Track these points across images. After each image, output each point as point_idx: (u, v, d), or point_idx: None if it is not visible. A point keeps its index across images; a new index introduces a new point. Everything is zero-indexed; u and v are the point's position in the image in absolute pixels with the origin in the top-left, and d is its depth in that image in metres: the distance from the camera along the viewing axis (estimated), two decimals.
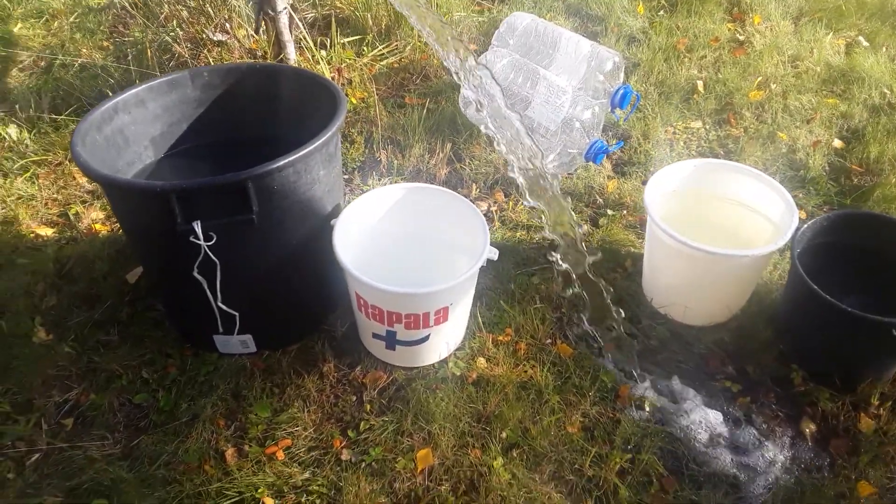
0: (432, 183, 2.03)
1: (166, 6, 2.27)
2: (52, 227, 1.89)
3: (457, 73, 1.62)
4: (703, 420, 1.41)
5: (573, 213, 1.54)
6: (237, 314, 1.37)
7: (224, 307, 1.34)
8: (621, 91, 2.07)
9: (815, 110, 2.15)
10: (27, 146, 2.12)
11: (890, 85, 2.21)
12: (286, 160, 1.25)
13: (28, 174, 2.03)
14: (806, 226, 1.47)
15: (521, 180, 1.56)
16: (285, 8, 2.07)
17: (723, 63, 2.37)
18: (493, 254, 1.38)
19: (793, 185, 1.95)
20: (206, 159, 1.64)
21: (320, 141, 1.31)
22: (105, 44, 2.57)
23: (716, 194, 1.65)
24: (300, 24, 2.17)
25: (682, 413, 1.42)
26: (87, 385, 1.48)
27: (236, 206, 1.26)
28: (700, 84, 2.28)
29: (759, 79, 2.26)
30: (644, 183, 1.87)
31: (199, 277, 1.30)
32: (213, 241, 1.24)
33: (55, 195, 2.00)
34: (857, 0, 2.63)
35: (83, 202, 1.97)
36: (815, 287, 1.36)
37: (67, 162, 2.08)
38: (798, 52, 2.39)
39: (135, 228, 1.40)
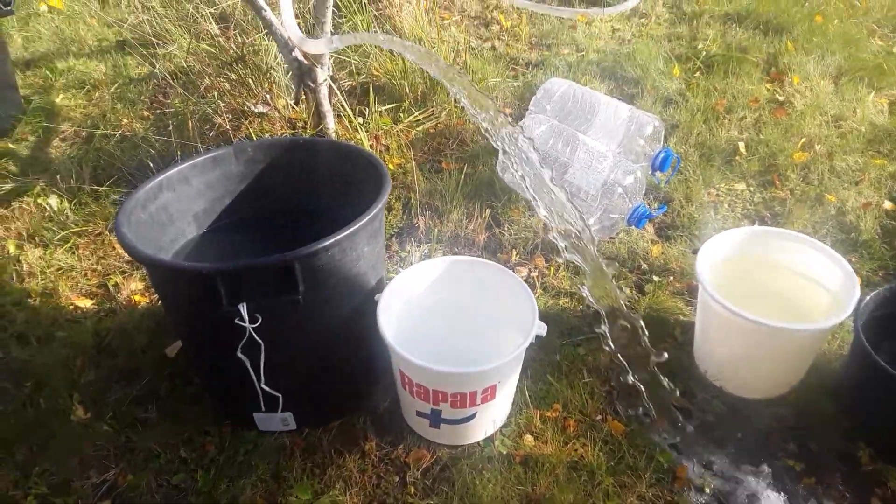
0: (471, 248, 2.01)
1: (207, 78, 2.31)
2: (92, 299, 1.89)
3: (496, 141, 1.61)
4: None
5: (614, 281, 1.49)
6: (280, 396, 1.33)
7: (267, 389, 1.30)
8: (662, 154, 2.04)
9: (862, 171, 2.10)
10: (67, 216, 2.15)
11: None
12: (333, 239, 1.23)
13: (68, 245, 2.05)
14: (869, 297, 1.41)
15: (561, 244, 1.53)
16: (325, 80, 2.10)
17: (763, 124, 2.34)
18: (542, 329, 1.33)
19: (845, 248, 1.89)
20: (248, 233, 1.63)
21: (366, 218, 1.29)
22: (146, 114, 2.62)
23: (769, 262, 1.60)
24: (338, 93, 2.19)
25: (745, 496, 1.34)
26: (124, 465, 1.45)
27: (282, 286, 1.23)
28: (742, 145, 2.25)
29: (803, 140, 2.22)
30: (694, 251, 1.82)
31: (242, 357, 1.28)
32: (258, 323, 1.21)
33: (95, 266, 2.00)
34: None
35: (122, 273, 1.97)
36: (882, 362, 1.30)
37: (107, 232, 2.09)
38: (840, 112, 2.35)
39: (178, 308, 1.38)
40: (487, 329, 1.50)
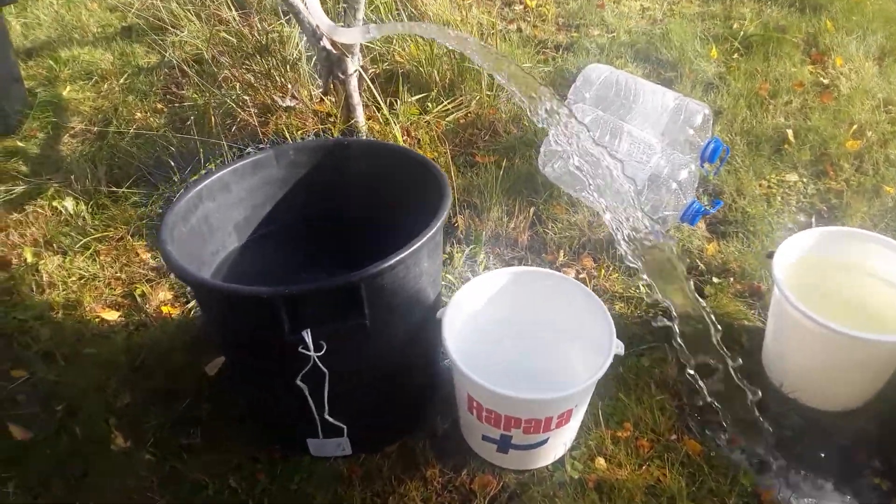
0: (513, 248, 1.92)
1: (226, 69, 2.19)
2: (118, 311, 1.79)
3: (545, 125, 1.51)
4: None
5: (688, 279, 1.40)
6: (345, 427, 1.25)
7: (332, 420, 1.22)
8: (712, 145, 1.94)
9: None
10: (85, 220, 2.04)
11: None
12: (398, 257, 1.13)
13: (89, 252, 1.94)
14: None
15: (624, 247, 1.44)
16: (356, 70, 1.98)
17: (810, 109, 2.24)
18: (620, 348, 1.24)
19: None
20: (291, 243, 1.53)
21: (431, 232, 1.19)
22: (159, 106, 2.50)
23: (845, 264, 1.51)
24: (370, 86, 2.08)
25: None
26: (170, 497, 1.36)
27: (345, 309, 1.14)
28: (790, 133, 2.15)
29: (854, 127, 2.13)
30: (768, 255, 1.72)
31: (301, 385, 1.19)
32: (322, 351, 1.12)
33: (118, 274, 1.90)
34: None
35: (148, 281, 1.87)
36: None
37: (129, 237, 1.98)
38: (888, 96, 2.26)
39: (230, 333, 1.29)
40: (557, 345, 1.41)
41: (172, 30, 2.64)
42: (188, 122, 2.28)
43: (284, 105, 2.01)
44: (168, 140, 2.23)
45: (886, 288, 1.47)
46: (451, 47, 1.63)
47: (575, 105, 2.13)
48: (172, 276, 1.87)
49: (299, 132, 2.02)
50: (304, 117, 2.04)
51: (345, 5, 1.88)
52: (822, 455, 1.37)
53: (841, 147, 2.07)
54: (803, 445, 1.39)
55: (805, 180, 2.02)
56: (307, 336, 1.10)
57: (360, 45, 2.43)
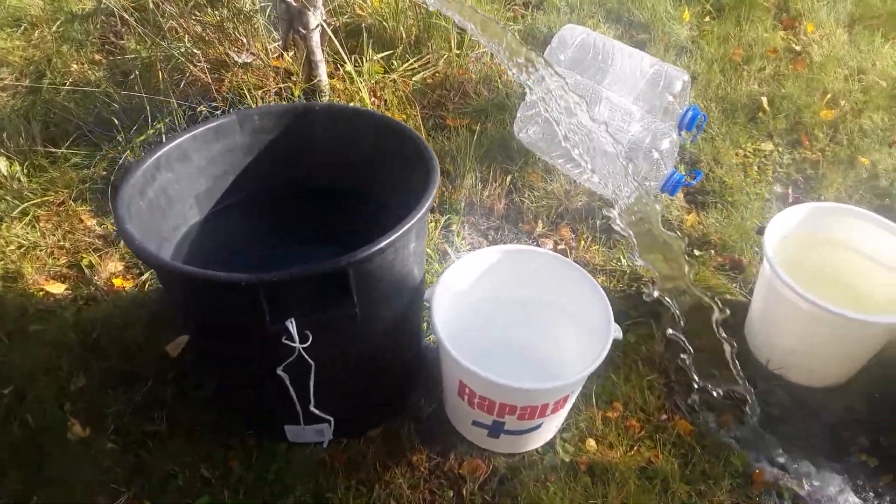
0: (489, 217, 1.84)
1: (172, 20, 2.00)
2: (64, 283, 1.65)
3: (527, 84, 1.43)
4: None
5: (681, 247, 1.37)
6: (331, 419, 1.16)
7: (318, 412, 1.13)
8: (690, 112, 1.90)
9: (891, 130, 2.01)
10: (21, 183, 1.86)
11: None
12: (389, 239, 1.04)
13: (28, 218, 1.77)
14: None
15: (615, 214, 1.39)
16: (318, 25, 1.84)
17: (783, 76, 2.22)
18: (618, 332, 1.19)
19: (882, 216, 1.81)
20: (257, 215, 1.41)
21: (421, 212, 1.10)
22: (97, 57, 2.29)
23: (828, 240, 1.49)
24: (333, 40, 1.94)
25: (825, 499, 1.27)
26: (137, 489, 1.26)
27: (332, 295, 1.05)
28: (764, 101, 2.12)
29: (828, 96, 2.11)
30: (758, 231, 1.70)
31: (282, 374, 1.10)
32: (308, 342, 1.03)
33: (61, 242, 1.75)
34: None
35: (96, 250, 1.72)
36: None
37: (72, 202, 1.82)
38: (860, 65, 2.25)
39: (201, 319, 1.17)
40: (550, 326, 1.35)
41: None
42: (131, 77, 2.09)
43: (240, 61, 1.86)
44: (109, 96, 2.04)
45: (870, 263, 1.46)
46: (430, 7, 1.51)
47: None
48: (123, 244, 1.73)
49: (259, 91, 1.87)
50: (262, 75, 1.89)
51: None
52: (810, 433, 1.37)
53: (815, 116, 2.06)
54: (791, 424, 1.38)
55: (781, 149, 2.00)
56: (291, 326, 1.01)
57: None
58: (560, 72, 1.74)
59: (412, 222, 1.08)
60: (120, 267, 1.68)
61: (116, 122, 1.95)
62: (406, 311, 1.24)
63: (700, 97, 2.15)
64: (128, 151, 1.90)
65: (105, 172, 1.89)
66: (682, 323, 1.34)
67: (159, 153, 1.25)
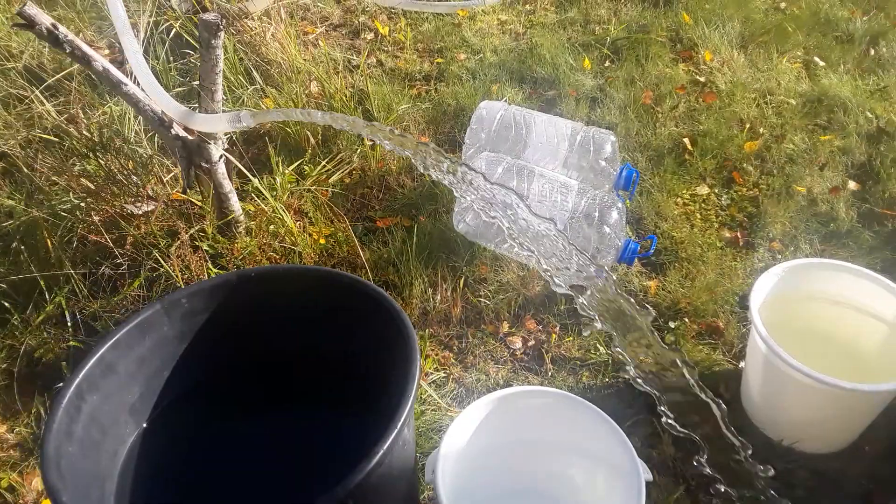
0: (447, 325, 1.71)
1: (53, 173, 1.77)
2: None
3: (455, 189, 1.33)
4: None
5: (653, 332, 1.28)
6: None
7: None
8: (625, 172, 1.84)
9: (815, 152, 2.03)
10: None
11: (871, 108, 2.13)
12: (387, 443, 0.88)
13: None
14: None
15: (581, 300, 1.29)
16: (222, 156, 1.66)
17: (697, 112, 2.21)
18: (647, 473, 1.08)
19: (830, 242, 1.81)
20: (202, 410, 1.22)
21: (411, 398, 0.95)
22: None
23: (809, 295, 1.45)
24: (239, 166, 1.76)
25: None
26: None
27: None
28: (687, 141, 2.10)
29: (747, 126, 2.11)
30: (741, 302, 1.64)
31: None
32: None
33: None
34: (792, 17, 2.57)
35: (13, 466, 1.46)
36: None
37: None
38: (764, 86, 2.27)
39: None
40: (564, 468, 1.22)
41: None
42: (11, 244, 1.83)
43: (140, 212, 1.64)
44: None
45: (855, 314, 1.43)
46: (338, 128, 1.38)
47: (472, 148, 1.95)
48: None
49: (165, 243, 1.66)
50: (168, 220, 1.68)
51: (199, 87, 1.55)
52: None
53: (740, 150, 2.05)
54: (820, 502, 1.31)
55: (717, 191, 1.98)
56: None
57: None
58: (489, 169, 1.65)
59: (405, 412, 0.93)
60: None
61: (5, 302, 1.69)
62: (407, 496, 1.08)
63: (623, 149, 2.10)
64: (27, 336, 1.64)
65: (6, 365, 1.63)
66: (670, 415, 1.25)
67: (78, 378, 1.04)
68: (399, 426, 0.90)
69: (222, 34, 1.38)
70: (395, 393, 0.97)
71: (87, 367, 1.06)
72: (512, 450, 1.22)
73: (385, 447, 0.87)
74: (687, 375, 1.23)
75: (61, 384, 1.03)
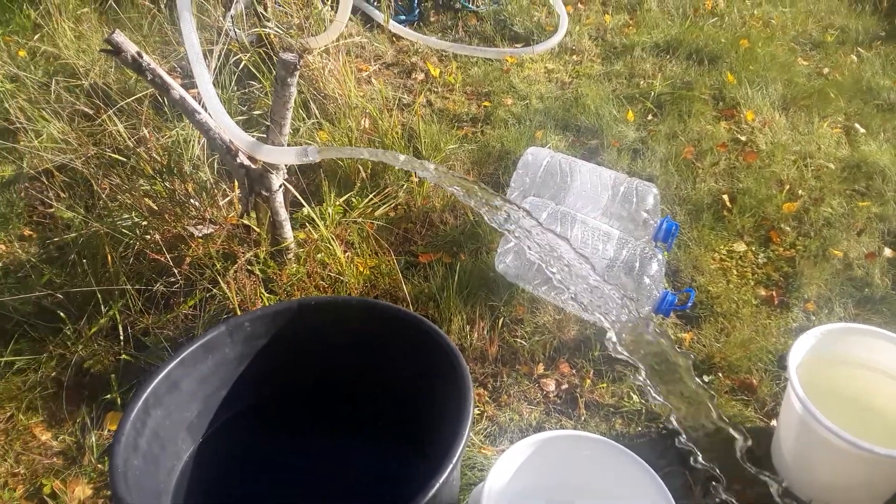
0: (483, 363, 1.75)
1: (118, 192, 1.85)
2: None
3: (512, 234, 1.40)
4: None
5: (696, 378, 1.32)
6: None
7: None
8: (665, 225, 1.89)
9: (851, 216, 2.06)
10: None
11: None
12: (444, 475, 0.93)
13: None
14: None
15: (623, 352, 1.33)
16: (281, 185, 1.73)
17: (737, 169, 2.26)
18: None
19: (864, 307, 1.83)
20: (255, 429, 1.28)
21: (466, 433, 1.00)
22: (27, 232, 2.09)
23: (845, 360, 1.48)
24: (297, 196, 1.83)
25: None
26: None
27: None
28: (726, 198, 2.14)
29: (787, 187, 2.15)
30: (780, 364, 1.66)
31: None
32: None
33: (14, 467, 1.53)
34: (835, 83, 2.63)
35: (56, 473, 1.52)
36: None
37: (20, 415, 1.61)
38: (804, 149, 2.32)
39: None
40: None
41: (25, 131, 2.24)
42: (69, 255, 1.91)
43: (199, 235, 1.72)
44: (50, 282, 1.85)
45: (890, 381, 1.45)
46: (403, 168, 1.45)
47: (516, 192, 2.01)
48: (87, 461, 1.54)
49: (221, 265, 1.73)
50: (225, 244, 1.75)
51: (268, 119, 1.63)
52: None
53: (779, 210, 2.09)
54: None
55: (754, 248, 2.01)
56: None
57: None
58: (534, 214, 1.72)
59: (460, 448, 0.97)
60: (89, 491, 1.48)
61: (61, 312, 1.76)
62: None
63: (663, 201, 2.15)
64: (79, 346, 1.71)
65: (55, 373, 1.70)
66: (716, 473, 1.27)
67: (146, 392, 1.10)
68: (455, 460, 0.94)
69: (297, 73, 1.46)
70: (448, 427, 1.01)
71: (154, 383, 1.12)
72: (553, 493, 1.25)
73: (442, 480, 0.91)
74: (713, 411, 1.28)
75: (132, 397, 1.09)
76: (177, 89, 1.56)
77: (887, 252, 1.97)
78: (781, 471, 1.47)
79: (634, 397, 1.64)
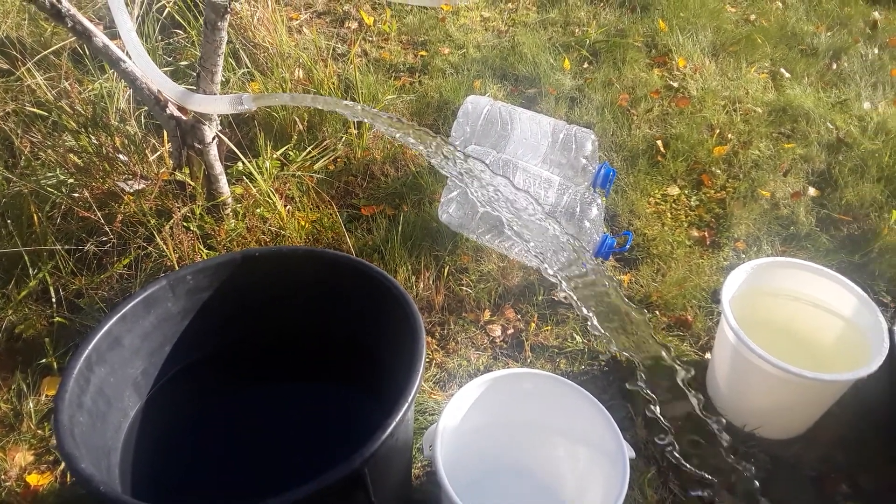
0: (430, 312, 1.77)
1: (40, 149, 1.76)
2: None
3: (458, 177, 1.41)
4: None
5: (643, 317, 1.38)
6: None
7: None
8: (603, 170, 1.92)
9: (779, 158, 2.15)
10: None
11: (832, 119, 2.26)
12: (399, 414, 0.94)
13: None
14: None
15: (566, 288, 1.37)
16: (215, 137, 1.68)
17: (670, 115, 2.31)
18: (630, 452, 1.16)
19: (790, 244, 1.92)
20: (200, 383, 1.26)
21: (419, 374, 1.01)
22: None
23: (772, 292, 1.55)
24: (232, 147, 1.78)
25: None
26: None
27: (344, 499, 0.93)
28: (660, 143, 2.19)
29: (717, 132, 2.22)
30: (714, 298, 1.73)
31: None
32: None
33: None
34: (761, 29, 2.69)
35: None
36: None
37: None
38: (733, 94, 2.39)
39: None
40: (550, 448, 1.30)
41: None
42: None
43: (132, 190, 1.65)
44: None
45: (814, 309, 1.53)
46: (341, 113, 1.42)
47: (460, 142, 2.00)
48: (25, 425, 1.49)
49: (155, 222, 1.68)
50: (158, 200, 1.69)
51: (199, 69, 1.56)
52: (797, 491, 1.40)
53: (710, 154, 2.15)
54: (777, 484, 1.41)
55: (687, 192, 2.08)
56: None
57: None
58: (479, 156, 1.72)
59: (414, 388, 0.99)
60: (30, 458, 1.44)
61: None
62: (408, 468, 1.14)
63: (599, 148, 2.18)
64: (9, 311, 1.64)
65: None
66: (648, 391, 1.33)
67: (88, 349, 1.07)
68: (410, 399, 0.95)
69: (228, 16, 1.41)
70: (402, 369, 1.02)
71: (95, 340, 1.08)
72: (502, 429, 1.29)
73: (398, 419, 0.92)
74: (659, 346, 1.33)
75: (72, 354, 1.05)
76: (100, 36, 1.48)
77: (811, 191, 2.06)
78: (716, 400, 1.55)
79: (577, 338, 1.68)
